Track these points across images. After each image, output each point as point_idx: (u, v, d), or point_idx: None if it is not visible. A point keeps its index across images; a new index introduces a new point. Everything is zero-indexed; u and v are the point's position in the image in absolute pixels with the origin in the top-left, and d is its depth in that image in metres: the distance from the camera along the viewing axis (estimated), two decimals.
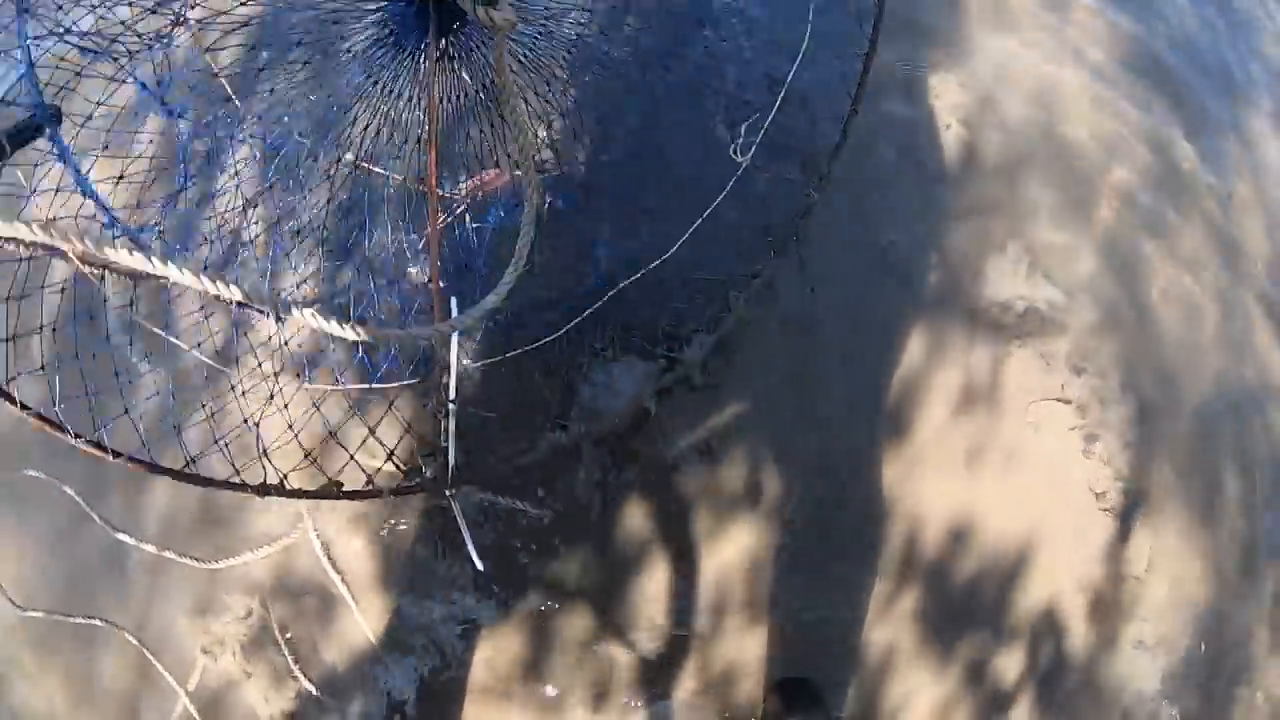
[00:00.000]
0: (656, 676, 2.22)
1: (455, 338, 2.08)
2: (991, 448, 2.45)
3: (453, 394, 2.11)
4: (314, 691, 2.21)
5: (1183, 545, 2.55)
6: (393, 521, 2.25)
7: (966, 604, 2.37)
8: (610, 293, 2.31)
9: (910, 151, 2.80)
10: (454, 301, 2.17)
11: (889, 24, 2.29)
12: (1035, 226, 2.78)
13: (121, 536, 2.31)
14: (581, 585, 2.23)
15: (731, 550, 2.28)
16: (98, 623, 2.37)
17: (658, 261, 2.34)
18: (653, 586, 2.26)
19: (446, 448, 2.10)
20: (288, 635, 2.25)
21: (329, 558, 2.25)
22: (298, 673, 2.23)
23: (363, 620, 2.22)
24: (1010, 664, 2.37)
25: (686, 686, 2.24)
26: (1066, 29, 3.21)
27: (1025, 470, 2.45)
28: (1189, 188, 3.05)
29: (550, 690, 2.21)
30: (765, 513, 2.31)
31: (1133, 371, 2.65)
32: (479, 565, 2.17)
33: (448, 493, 2.14)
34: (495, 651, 2.23)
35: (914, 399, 2.47)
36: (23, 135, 1.56)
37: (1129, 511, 2.51)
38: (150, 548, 2.30)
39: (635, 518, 2.26)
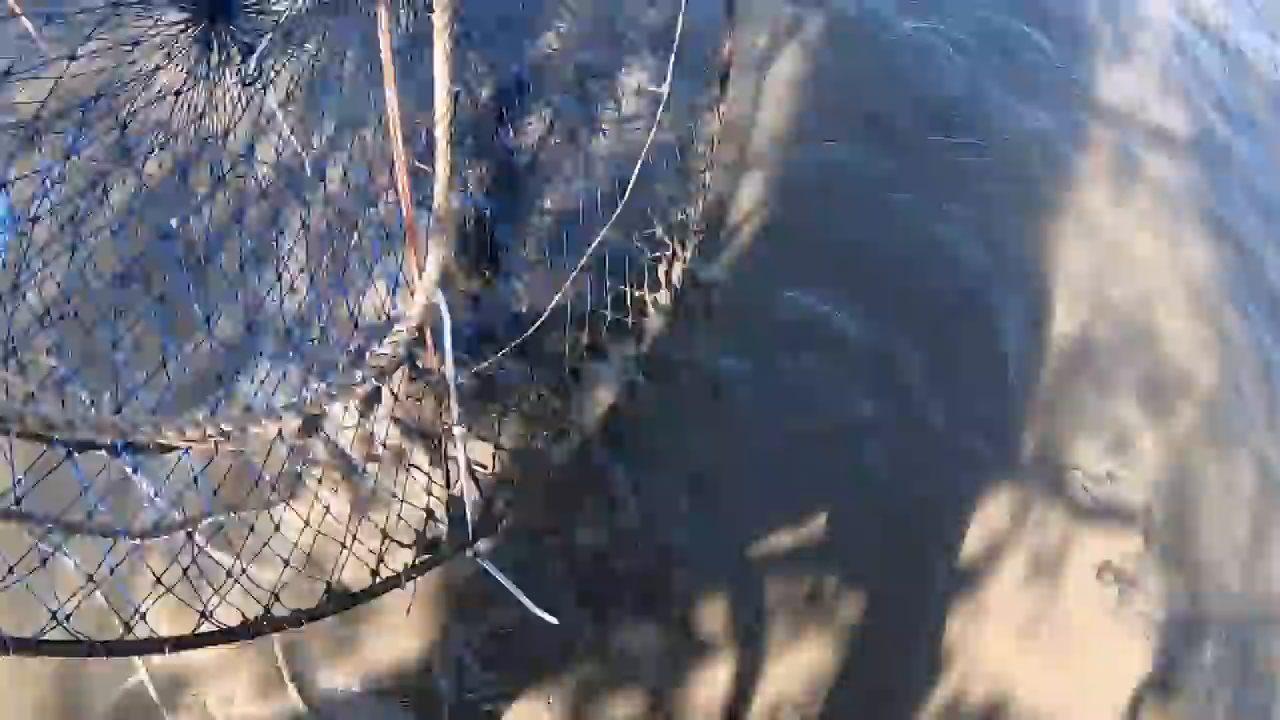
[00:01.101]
0: None
1: (449, 348, 1.71)
2: (1046, 616, 2.65)
3: (456, 417, 1.80)
4: (301, 707, 2.07)
5: None
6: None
7: None
8: (581, 264, 2.22)
9: (1018, 305, 3.16)
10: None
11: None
12: (1115, 403, 3.03)
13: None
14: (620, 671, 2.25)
15: (786, 668, 2.38)
16: (62, 556, 2.06)
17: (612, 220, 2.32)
18: (703, 691, 2.31)
19: (460, 497, 1.88)
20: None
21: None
22: (287, 680, 2.08)
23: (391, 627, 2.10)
24: None
25: None
26: (1179, 229, 3.63)
27: (1072, 638, 2.65)
28: (1266, 410, 3.28)
29: None
30: (826, 638, 2.44)
31: (1179, 564, 2.86)
32: (547, 618, 2.01)
33: (469, 553, 1.99)
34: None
35: (985, 559, 2.68)
36: None
37: (1154, 692, 2.69)
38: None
39: (711, 612, 2.31)
